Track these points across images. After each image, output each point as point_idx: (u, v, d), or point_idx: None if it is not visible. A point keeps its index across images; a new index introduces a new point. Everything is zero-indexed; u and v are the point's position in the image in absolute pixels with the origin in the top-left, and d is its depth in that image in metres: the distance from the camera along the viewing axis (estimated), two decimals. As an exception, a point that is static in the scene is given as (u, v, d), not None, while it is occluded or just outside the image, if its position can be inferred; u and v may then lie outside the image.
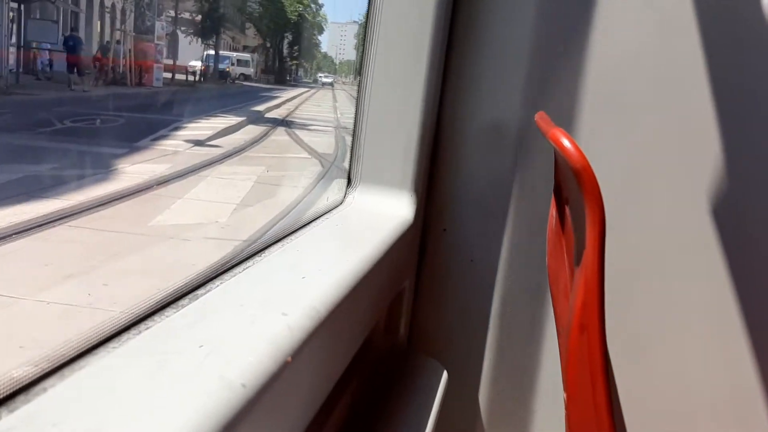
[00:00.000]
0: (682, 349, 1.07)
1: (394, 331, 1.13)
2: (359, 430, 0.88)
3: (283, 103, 19.40)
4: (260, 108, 16.27)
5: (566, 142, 0.58)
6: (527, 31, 1.08)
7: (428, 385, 1.06)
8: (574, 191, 0.66)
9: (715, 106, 1.01)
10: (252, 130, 11.29)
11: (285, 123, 13.58)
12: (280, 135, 11.71)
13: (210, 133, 10.12)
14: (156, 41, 23.09)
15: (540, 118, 0.82)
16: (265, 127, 11.95)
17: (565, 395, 0.81)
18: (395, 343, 1.14)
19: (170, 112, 14.21)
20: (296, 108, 18.69)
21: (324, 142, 11.50)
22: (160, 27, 24.38)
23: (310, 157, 9.69)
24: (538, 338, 1.12)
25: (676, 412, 1.07)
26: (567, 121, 1.07)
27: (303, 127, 13.27)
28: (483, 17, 1.09)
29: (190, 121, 11.73)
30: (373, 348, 0.97)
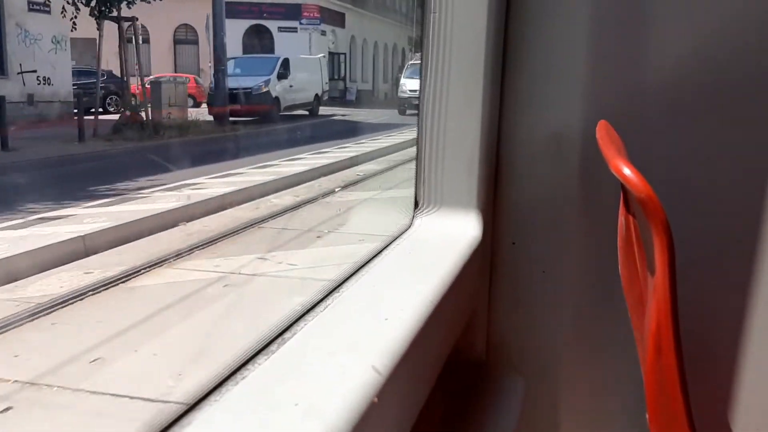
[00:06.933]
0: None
1: (471, 347, 1.15)
2: None
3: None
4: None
5: (628, 172, 0.58)
6: (582, 39, 1.07)
7: (508, 400, 1.08)
8: (641, 215, 0.66)
9: None
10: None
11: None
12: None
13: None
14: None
15: (600, 136, 0.82)
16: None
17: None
18: (473, 359, 1.16)
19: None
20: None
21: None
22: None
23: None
24: (616, 347, 1.11)
25: None
26: (630, 127, 1.06)
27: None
28: (536, 29, 1.09)
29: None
30: (452, 368, 0.99)
